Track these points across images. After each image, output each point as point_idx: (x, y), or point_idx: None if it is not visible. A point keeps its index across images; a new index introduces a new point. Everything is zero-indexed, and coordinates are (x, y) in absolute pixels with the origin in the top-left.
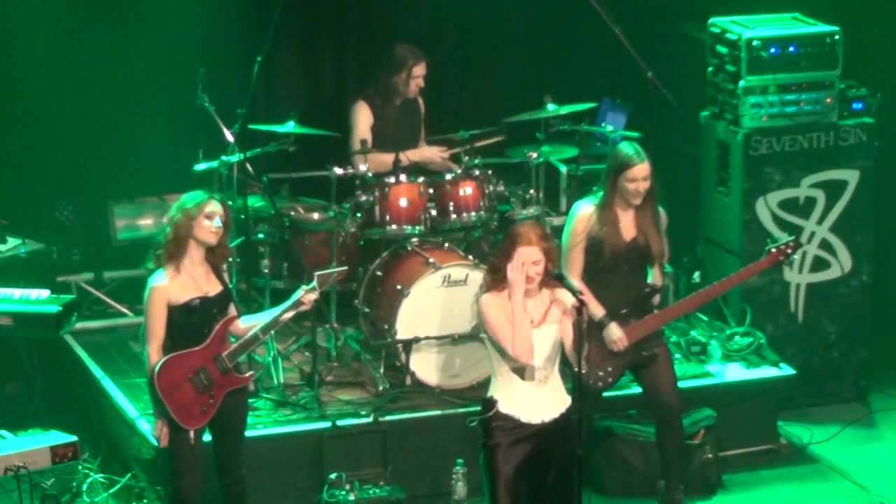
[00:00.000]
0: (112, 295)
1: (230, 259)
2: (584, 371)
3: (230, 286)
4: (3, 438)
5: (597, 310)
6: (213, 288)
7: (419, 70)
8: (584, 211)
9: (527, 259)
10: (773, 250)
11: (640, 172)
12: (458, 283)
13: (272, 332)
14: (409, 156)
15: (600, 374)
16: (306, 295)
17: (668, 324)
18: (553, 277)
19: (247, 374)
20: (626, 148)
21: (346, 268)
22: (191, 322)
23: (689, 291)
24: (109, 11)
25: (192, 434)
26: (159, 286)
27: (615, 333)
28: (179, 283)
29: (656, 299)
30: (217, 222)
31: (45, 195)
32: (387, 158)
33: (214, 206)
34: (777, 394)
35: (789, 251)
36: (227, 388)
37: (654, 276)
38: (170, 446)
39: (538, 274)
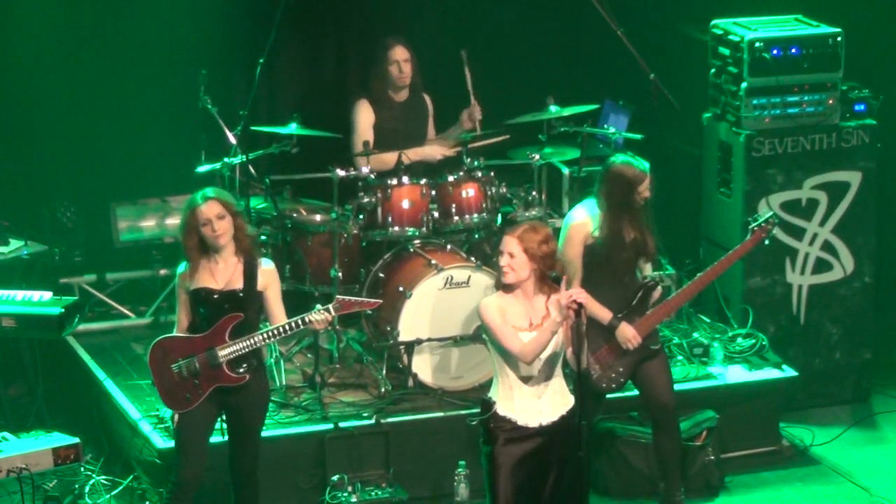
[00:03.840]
0: (114, 296)
1: (254, 242)
2: (597, 375)
3: (255, 287)
4: (5, 440)
5: (604, 313)
6: (235, 283)
7: (396, 54)
8: (580, 220)
9: (503, 248)
10: (756, 229)
11: (649, 180)
12: (461, 284)
13: (274, 340)
14: (411, 155)
15: (612, 375)
16: (316, 315)
17: (671, 315)
18: (551, 280)
19: (238, 375)
20: (629, 163)
21: (380, 301)
22: (198, 312)
23: None
24: (111, 13)
25: (175, 417)
26: (180, 273)
27: (629, 332)
28: (200, 273)
29: (657, 293)
30: (214, 225)
31: (47, 197)
32: (389, 158)
33: (205, 212)
34: (779, 395)
35: (770, 227)
36: (215, 382)
37: (649, 271)
38: (174, 431)
39: (510, 266)
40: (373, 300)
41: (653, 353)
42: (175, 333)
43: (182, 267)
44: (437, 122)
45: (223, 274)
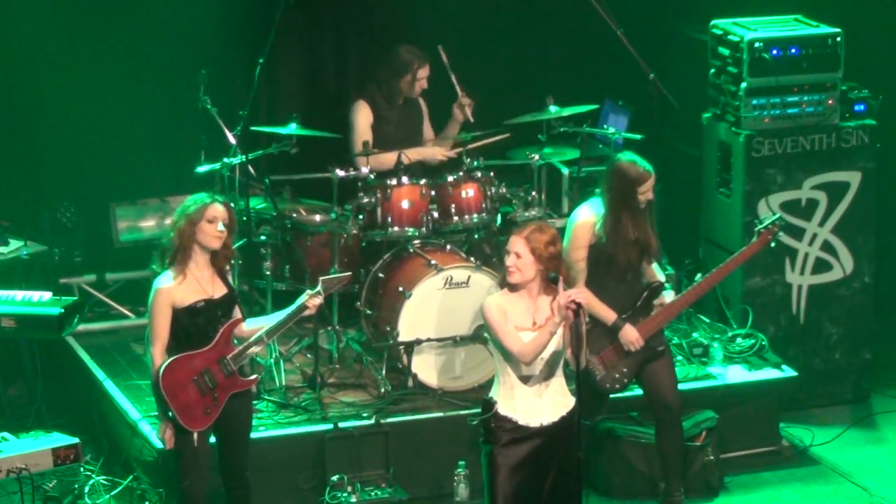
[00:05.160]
0: (114, 297)
1: (234, 261)
2: (601, 375)
3: (234, 289)
4: (5, 440)
5: (608, 314)
6: (218, 290)
7: (423, 73)
8: (585, 219)
9: (509, 248)
10: (762, 231)
11: (653, 181)
12: (460, 284)
13: (276, 335)
14: (412, 154)
15: (616, 375)
16: (310, 300)
17: (675, 317)
18: (550, 281)
19: (251, 377)
20: (634, 162)
21: (349, 273)
22: (195, 324)
23: None
24: (111, 13)
25: (195, 436)
26: (164, 288)
27: (632, 334)
28: (184, 286)
29: (665, 296)
30: (220, 226)
31: (46, 197)
32: (388, 158)
33: (217, 210)
34: (779, 395)
35: (776, 229)
36: (230, 390)
37: (653, 273)
38: (175, 448)
39: (515, 266)
40: (347, 273)
41: (657, 353)
42: (156, 350)
43: (161, 282)
44: (433, 124)
45: (207, 283)
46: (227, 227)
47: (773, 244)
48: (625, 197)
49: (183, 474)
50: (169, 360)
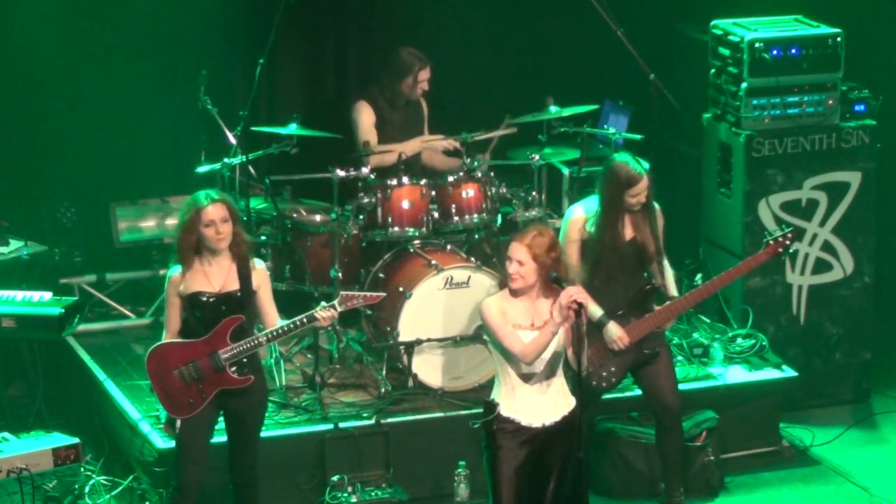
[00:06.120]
0: (114, 297)
1: (250, 249)
2: (587, 372)
3: (250, 287)
4: (5, 440)
5: (595, 310)
6: (230, 286)
7: (424, 75)
8: (578, 216)
9: (511, 255)
10: (772, 242)
11: (644, 184)
12: (461, 285)
13: (279, 339)
14: (415, 145)
15: (603, 374)
16: (322, 312)
17: (669, 321)
18: (550, 281)
19: (244, 377)
20: (627, 163)
21: (383, 294)
22: (195, 315)
23: None
24: (112, 13)
25: (178, 423)
26: (172, 277)
27: (615, 332)
28: (193, 276)
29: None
30: (218, 227)
31: (47, 197)
32: (392, 155)
33: (210, 213)
34: (779, 396)
35: (787, 242)
36: (219, 385)
37: (654, 275)
38: (174, 437)
39: (518, 273)
40: (375, 293)
41: (649, 356)
42: (166, 338)
43: (173, 270)
44: (430, 125)
45: (218, 276)
46: (229, 220)
47: (784, 256)
48: (615, 198)
49: (178, 463)
50: (158, 344)
